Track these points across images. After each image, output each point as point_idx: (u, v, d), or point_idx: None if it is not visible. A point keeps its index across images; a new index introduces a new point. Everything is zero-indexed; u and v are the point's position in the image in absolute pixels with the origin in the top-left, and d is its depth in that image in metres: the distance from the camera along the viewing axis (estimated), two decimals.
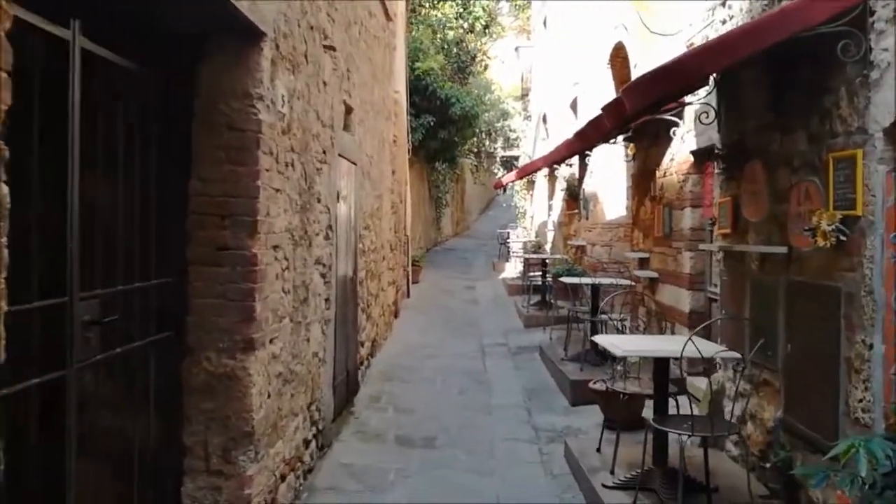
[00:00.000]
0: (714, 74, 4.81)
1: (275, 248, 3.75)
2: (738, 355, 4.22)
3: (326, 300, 5.19)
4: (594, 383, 6.22)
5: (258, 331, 3.47)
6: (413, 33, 18.05)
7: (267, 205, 3.56)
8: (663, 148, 7.59)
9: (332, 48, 4.88)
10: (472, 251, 24.22)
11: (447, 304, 13.23)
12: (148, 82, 3.18)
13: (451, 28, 21.15)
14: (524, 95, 29.54)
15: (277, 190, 3.77)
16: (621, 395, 4.77)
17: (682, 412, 4.82)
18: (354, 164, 6.21)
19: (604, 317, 7.47)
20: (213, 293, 3.42)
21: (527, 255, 12.78)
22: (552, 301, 10.33)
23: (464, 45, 20.99)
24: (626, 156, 8.72)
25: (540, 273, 12.02)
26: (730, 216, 5.01)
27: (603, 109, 4.76)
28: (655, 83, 3.59)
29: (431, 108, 17.31)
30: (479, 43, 21.31)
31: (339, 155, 5.49)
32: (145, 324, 3.22)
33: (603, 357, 7.61)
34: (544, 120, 17.80)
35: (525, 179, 21.06)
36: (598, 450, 5.03)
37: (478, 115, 18.72)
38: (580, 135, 6.71)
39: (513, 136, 29.71)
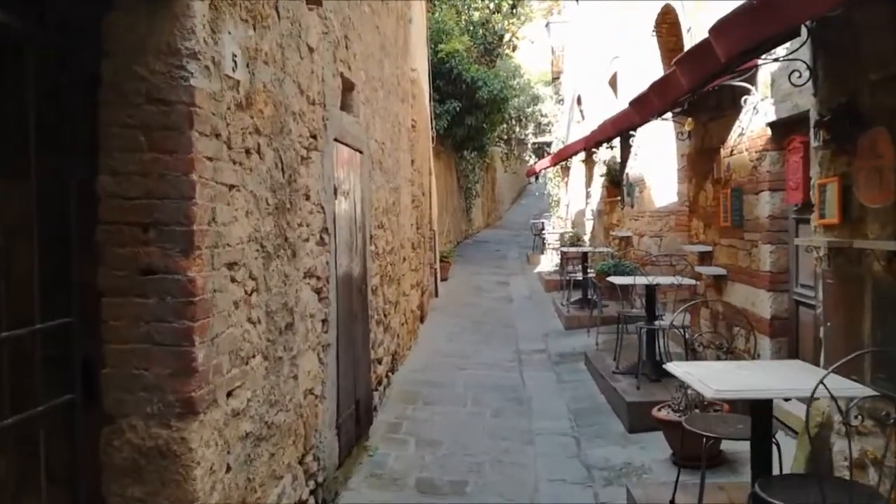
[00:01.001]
0: (808, 21, 3.68)
1: (230, 266, 2.73)
2: None
3: (324, 321, 4.17)
4: (659, 410, 5.12)
5: (202, 385, 2.45)
6: (436, 14, 16.95)
7: (211, 207, 2.53)
8: (729, 121, 6.40)
9: (318, 3, 3.83)
10: (505, 243, 23.09)
11: (479, 303, 12.17)
12: (36, 42, 2.18)
13: (476, 9, 19.97)
14: (555, 79, 28.27)
15: (232, 186, 2.74)
16: (704, 440, 3.66)
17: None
18: (359, 151, 5.17)
19: (663, 323, 6.33)
20: (137, 336, 2.41)
21: (564, 248, 11.63)
22: (596, 300, 9.19)
23: (490, 25, 19.77)
24: (680, 133, 7.53)
25: (580, 268, 10.88)
26: (837, 202, 3.84)
27: (677, 63, 3.61)
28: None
29: (457, 92, 16.20)
30: (506, 23, 20.05)
31: (337, 140, 4.46)
32: (38, 384, 2.23)
33: (664, 370, 6.50)
34: (578, 101, 16.55)
35: (559, 166, 19.85)
36: (673, 502, 3.93)
37: (506, 98, 17.53)
38: (640, 102, 5.54)
39: (544, 121, 28.44)
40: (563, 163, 18.03)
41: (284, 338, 3.42)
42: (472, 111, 16.80)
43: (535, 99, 29.15)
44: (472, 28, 19.18)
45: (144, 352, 2.41)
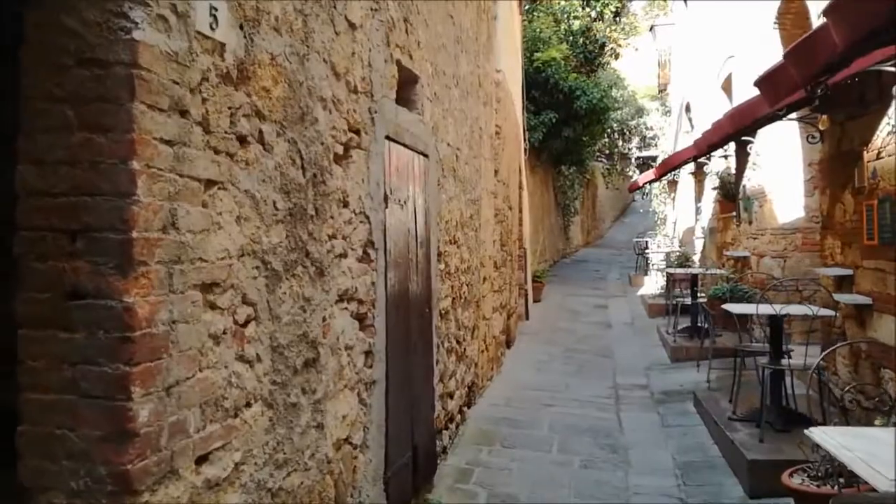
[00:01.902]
0: None
1: (207, 288, 2.05)
2: None
3: (367, 353, 3.45)
4: (791, 475, 4.05)
5: (145, 454, 1.77)
6: (532, 23, 16.20)
7: (168, 208, 1.86)
8: (874, 118, 5.24)
9: None
10: (605, 263, 21.83)
11: (573, 328, 11.17)
12: None
13: (576, 17, 19.05)
14: (661, 91, 26.82)
15: (211, 182, 2.07)
16: None
17: None
18: (423, 154, 4.45)
19: (794, 363, 5.21)
20: (60, 383, 1.77)
21: (671, 270, 10.44)
22: (707, 329, 8.03)
23: (591, 34, 18.77)
24: (811, 136, 6.36)
25: (689, 292, 9.70)
26: None
27: (830, 10, 2.64)
28: None
29: (553, 102, 15.33)
30: (608, 30, 18.98)
31: (390, 139, 3.75)
32: None
33: (793, 419, 5.36)
34: (687, 109, 15.27)
35: (666, 181, 18.50)
36: None
37: (607, 108, 16.45)
38: (771, 80, 4.48)
39: (649, 134, 26.94)
40: (671, 176, 16.73)
41: (303, 378, 2.71)
42: (570, 122, 15.86)
43: (640, 111, 27.77)
44: (571, 37, 18.28)
45: (69, 405, 1.76)
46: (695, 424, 6.15)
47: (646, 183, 17.52)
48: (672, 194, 18.56)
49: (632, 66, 25.88)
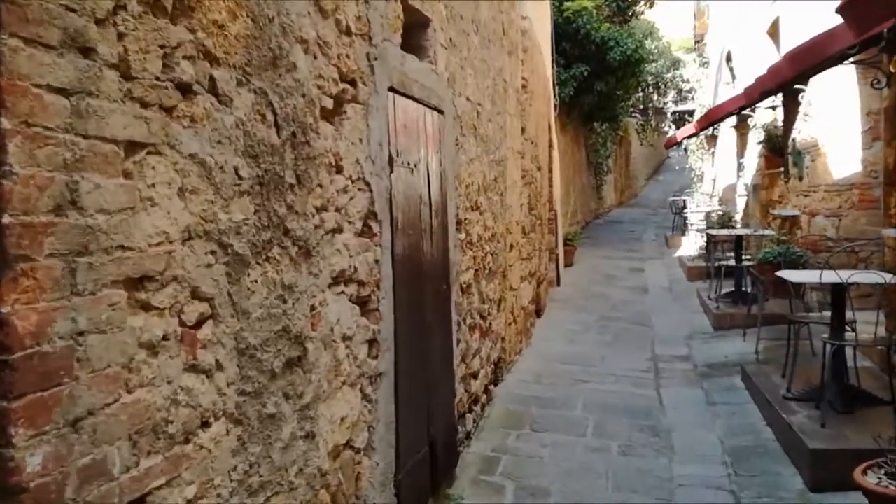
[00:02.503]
0: None
1: (135, 284, 1.57)
2: None
3: (371, 342, 2.98)
4: (864, 472, 3.51)
5: None
6: None
7: (65, 181, 1.38)
8: None
9: None
10: (640, 223, 21.07)
11: (608, 293, 10.61)
12: None
13: None
14: (698, 42, 25.57)
15: (136, 145, 1.58)
16: None
17: None
18: (437, 110, 3.91)
19: (862, 337, 4.62)
20: None
21: (713, 231, 9.73)
22: (756, 295, 7.42)
23: None
24: (876, 81, 5.63)
25: (734, 255, 9.04)
26: None
27: None
28: None
29: (584, 55, 14.48)
30: None
31: (395, 91, 3.22)
32: None
33: (857, 398, 4.79)
34: (728, 59, 14.34)
35: (703, 136, 17.58)
36: None
37: (642, 59, 15.52)
38: (858, 4, 3.74)
39: (686, 87, 25.76)
40: (711, 130, 15.85)
41: (284, 381, 2.25)
42: (603, 76, 15.01)
43: (676, 63, 26.53)
44: None
45: None
46: (744, 402, 5.61)
47: (685, 138, 16.67)
48: (711, 150, 17.66)
49: (666, 17, 24.62)
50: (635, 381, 6.32)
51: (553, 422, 5.26)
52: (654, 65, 23.21)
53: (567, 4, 14.29)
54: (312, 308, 2.44)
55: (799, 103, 8.36)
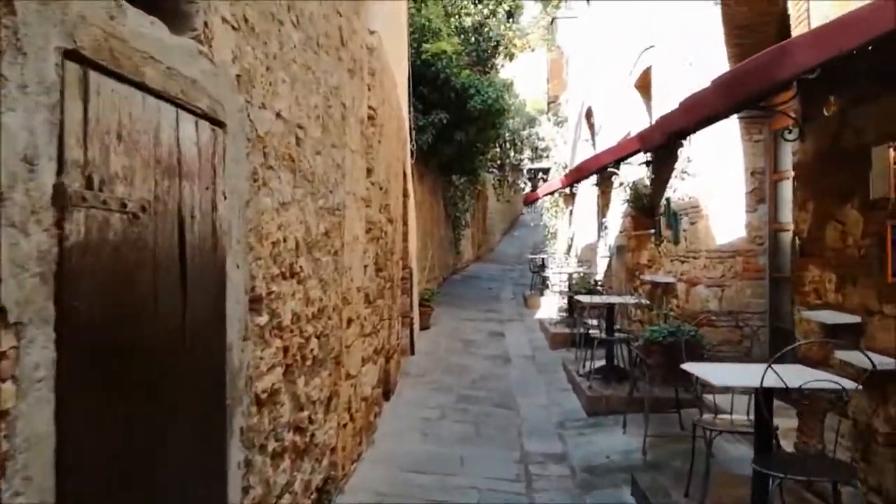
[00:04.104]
0: None
1: None
2: None
3: None
4: None
5: None
6: (421, 11, 14.31)
7: None
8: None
9: None
10: (498, 279, 20.33)
11: (468, 364, 9.31)
12: None
13: (468, 14, 17.38)
14: (551, 103, 25.85)
15: None
16: None
17: None
18: (216, 122, 2.37)
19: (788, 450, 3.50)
20: None
21: (581, 298, 8.74)
22: (637, 379, 6.36)
23: (485, 30, 17.17)
24: (786, 130, 4.76)
25: (598, 323, 8.07)
26: None
27: None
28: None
29: (444, 101, 13.49)
30: (502, 27, 17.47)
31: (87, 62, 1.65)
32: None
33: None
34: (588, 115, 13.92)
35: (558, 193, 17.16)
36: None
37: (503, 110, 14.80)
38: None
39: (541, 145, 25.81)
40: (568, 189, 15.34)
41: None
42: (463, 125, 14.09)
43: (532, 121, 26.64)
44: (464, 34, 16.60)
45: None
46: None
47: (552, 192, 16.03)
48: (569, 207, 17.22)
49: (519, 78, 24.57)
50: (503, 491, 4.94)
51: None
52: (511, 121, 22.97)
53: (426, 46, 13.31)
54: None
55: (676, 159, 7.62)
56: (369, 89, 5.25)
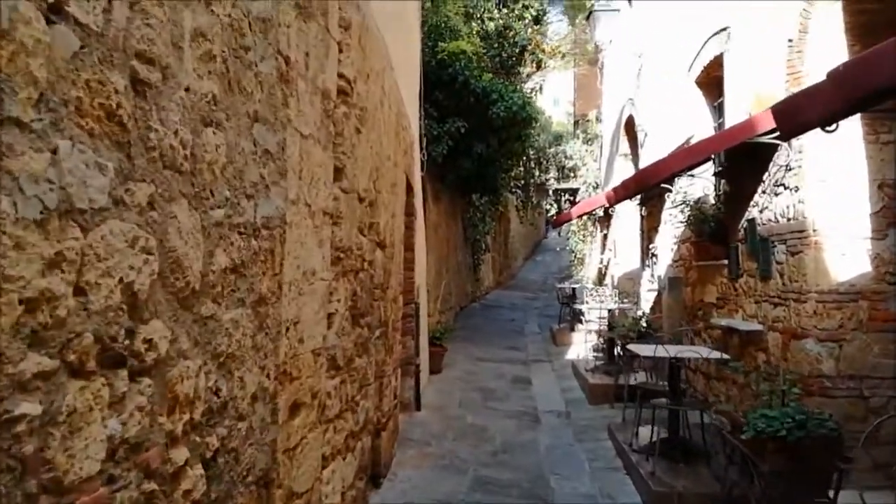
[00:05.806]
0: None
1: None
2: None
3: None
4: None
5: None
6: (439, 8, 12.62)
7: None
8: None
9: None
10: (521, 309, 18.43)
11: (486, 425, 7.41)
12: None
13: (491, 19, 15.69)
14: (577, 121, 24.12)
15: None
16: None
17: None
18: None
19: None
20: None
21: (633, 347, 6.75)
22: (737, 480, 4.43)
23: (509, 34, 15.44)
24: None
25: (668, 384, 6.15)
26: None
27: None
28: None
29: (462, 108, 11.76)
30: (529, 31, 15.72)
31: None
32: None
33: None
34: (628, 126, 12.07)
35: (587, 215, 15.26)
36: None
37: (530, 118, 12.98)
38: None
39: (569, 164, 23.93)
40: (599, 211, 13.46)
41: None
42: (483, 135, 12.33)
43: (558, 138, 24.85)
44: (486, 38, 14.88)
45: None
46: None
47: (588, 213, 14.11)
48: (602, 231, 15.30)
49: (544, 100, 22.86)
50: None
51: None
52: (538, 138, 21.21)
53: (442, 45, 11.60)
54: None
55: (772, 166, 5.73)
56: (340, 50, 3.47)
